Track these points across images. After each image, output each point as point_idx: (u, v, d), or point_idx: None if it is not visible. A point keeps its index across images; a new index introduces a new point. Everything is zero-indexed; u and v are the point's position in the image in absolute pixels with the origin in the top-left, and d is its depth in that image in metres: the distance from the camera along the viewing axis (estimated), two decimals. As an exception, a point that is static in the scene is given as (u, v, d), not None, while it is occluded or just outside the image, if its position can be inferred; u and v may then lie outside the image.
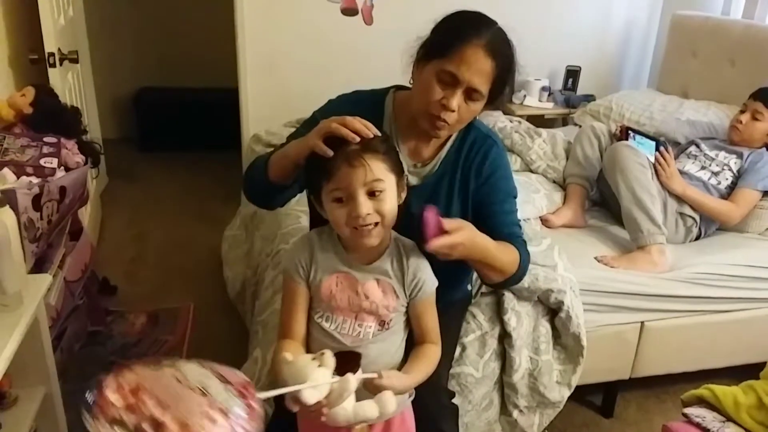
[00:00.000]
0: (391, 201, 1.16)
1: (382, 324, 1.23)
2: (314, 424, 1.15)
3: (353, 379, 1.05)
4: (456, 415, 1.51)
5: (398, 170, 1.19)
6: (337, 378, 1.05)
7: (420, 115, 1.35)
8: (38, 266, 1.89)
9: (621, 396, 2.22)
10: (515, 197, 1.49)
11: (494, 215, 1.44)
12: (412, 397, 1.31)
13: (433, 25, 1.36)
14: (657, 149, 2.28)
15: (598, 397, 2.21)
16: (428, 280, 1.24)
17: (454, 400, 1.55)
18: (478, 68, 1.27)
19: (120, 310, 2.64)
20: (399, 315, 1.25)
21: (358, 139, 1.13)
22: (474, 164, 1.44)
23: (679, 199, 2.24)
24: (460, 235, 1.20)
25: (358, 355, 1.16)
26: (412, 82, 1.40)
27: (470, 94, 1.30)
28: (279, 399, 1.12)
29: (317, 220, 1.30)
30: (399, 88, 1.50)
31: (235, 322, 2.47)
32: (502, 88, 1.34)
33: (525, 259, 1.43)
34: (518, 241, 1.43)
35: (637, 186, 2.14)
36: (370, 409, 1.11)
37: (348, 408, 1.09)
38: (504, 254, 1.36)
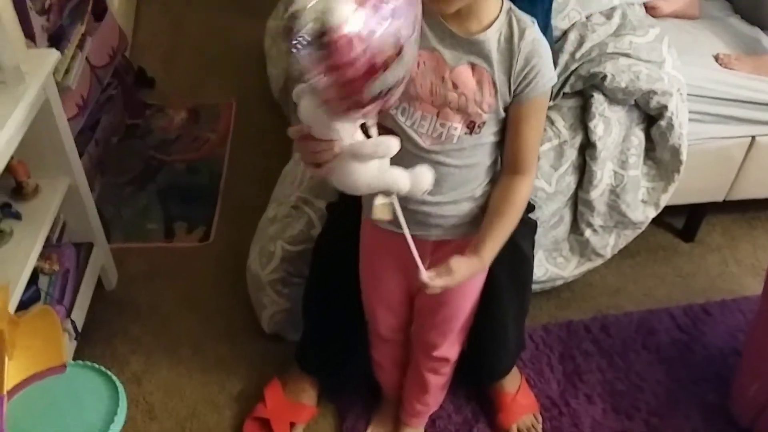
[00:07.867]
0: None
1: (471, 126, 0.96)
2: (378, 233, 1.05)
3: (395, 143, 0.84)
4: (534, 231, 1.33)
5: None
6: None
7: None
8: (54, 45, 1.67)
9: (705, 220, 1.97)
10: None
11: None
12: None
13: None
14: None
15: (679, 220, 1.97)
16: (544, 72, 0.94)
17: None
18: None
19: (158, 104, 2.47)
20: (494, 120, 0.97)
21: None
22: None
23: None
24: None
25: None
26: None
27: None
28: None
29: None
30: None
31: (278, 121, 2.25)
32: None
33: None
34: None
35: None
36: (400, 178, 0.88)
37: (372, 167, 0.87)
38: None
